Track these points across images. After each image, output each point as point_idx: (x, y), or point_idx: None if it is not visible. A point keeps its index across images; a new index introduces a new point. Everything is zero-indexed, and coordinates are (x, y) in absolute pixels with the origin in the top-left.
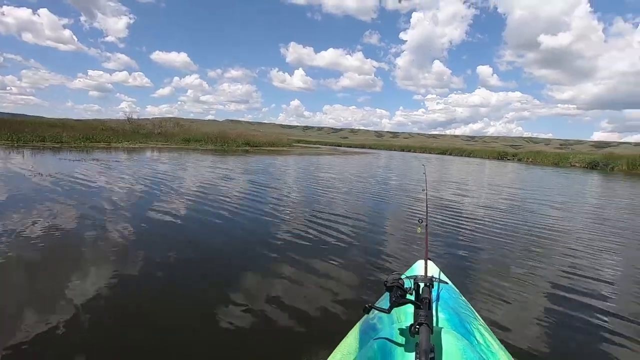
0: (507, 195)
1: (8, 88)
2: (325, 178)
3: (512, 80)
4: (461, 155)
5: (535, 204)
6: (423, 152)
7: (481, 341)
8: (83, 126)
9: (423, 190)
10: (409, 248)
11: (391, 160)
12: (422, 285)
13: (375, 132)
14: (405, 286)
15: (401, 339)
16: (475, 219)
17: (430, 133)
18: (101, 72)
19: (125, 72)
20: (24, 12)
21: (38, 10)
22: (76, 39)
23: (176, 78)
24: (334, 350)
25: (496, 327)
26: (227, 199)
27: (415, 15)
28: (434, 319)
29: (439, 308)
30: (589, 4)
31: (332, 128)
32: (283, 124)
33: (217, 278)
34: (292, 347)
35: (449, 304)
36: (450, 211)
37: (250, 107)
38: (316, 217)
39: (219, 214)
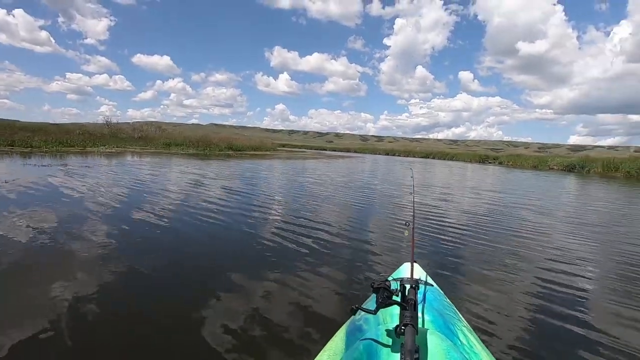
0: (491, 198)
1: None
2: (309, 183)
3: (492, 86)
4: (444, 159)
5: (517, 206)
6: (407, 156)
7: (464, 342)
8: (58, 130)
9: (410, 193)
10: (396, 251)
11: (376, 165)
12: (408, 287)
13: (360, 136)
14: (391, 288)
15: (387, 340)
16: (460, 222)
17: (414, 137)
18: (80, 75)
19: (105, 75)
20: None
21: (13, 11)
22: (53, 41)
23: (159, 81)
24: (321, 352)
25: (479, 328)
26: (200, 207)
27: (398, 21)
28: (419, 320)
29: (424, 309)
30: (563, 13)
31: (317, 132)
32: (268, 128)
33: (199, 286)
34: (279, 350)
35: (434, 306)
36: (435, 214)
37: (234, 111)
38: (300, 223)
39: (193, 223)
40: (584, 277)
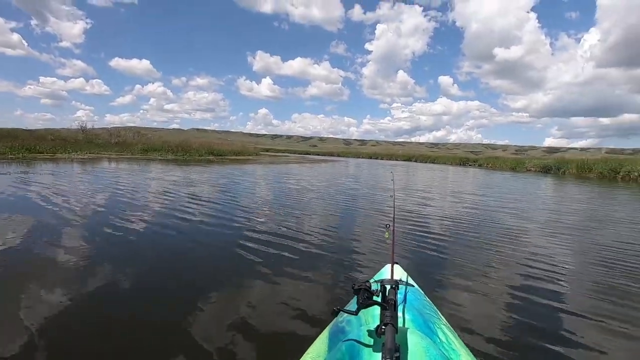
0: (470, 200)
1: None
2: (288, 189)
3: (471, 90)
4: (425, 162)
5: (497, 208)
6: (390, 159)
7: (444, 339)
8: (29, 136)
9: (390, 196)
10: (378, 253)
11: (358, 168)
12: (388, 287)
13: (344, 140)
14: (372, 289)
15: (369, 340)
16: (440, 224)
17: (396, 140)
18: (55, 79)
19: (81, 79)
20: None
21: None
22: (26, 44)
23: (138, 86)
24: (304, 354)
25: (458, 326)
26: (172, 216)
27: (379, 26)
28: (400, 319)
29: (404, 309)
30: (537, 20)
31: (301, 136)
32: (251, 132)
33: (180, 294)
34: (262, 353)
35: (414, 305)
36: (416, 217)
37: (217, 116)
38: (279, 229)
39: (152, 236)
40: (560, 276)
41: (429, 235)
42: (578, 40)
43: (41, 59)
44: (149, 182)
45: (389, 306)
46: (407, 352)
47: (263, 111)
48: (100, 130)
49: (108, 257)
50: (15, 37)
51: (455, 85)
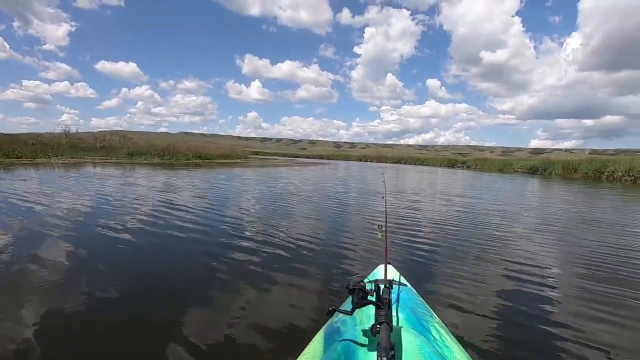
0: (460, 202)
1: None
2: (276, 192)
3: (459, 93)
4: (415, 164)
5: (486, 209)
6: (379, 162)
7: (437, 337)
8: (10, 140)
9: (382, 197)
10: (371, 255)
11: (348, 171)
12: (382, 287)
13: (334, 142)
14: (366, 288)
15: (364, 340)
16: (432, 225)
17: (385, 143)
18: (38, 83)
19: (66, 83)
20: None
21: None
22: (8, 46)
23: (124, 89)
24: (300, 355)
25: (451, 323)
26: (153, 223)
27: (368, 30)
28: (394, 318)
29: (398, 308)
30: (521, 24)
31: (291, 139)
32: (241, 135)
33: (169, 302)
34: (259, 356)
35: (408, 304)
36: (408, 218)
37: (205, 119)
38: (269, 233)
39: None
40: (549, 274)
41: (419, 236)
42: (561, 44)
43: (24, 61)
44: (126, 187)
45: (383, 305)
46: (401, 350)
47: (252, 114)
48: (85, 134)
49: (77, 268)
50: None
51: (443, 88)
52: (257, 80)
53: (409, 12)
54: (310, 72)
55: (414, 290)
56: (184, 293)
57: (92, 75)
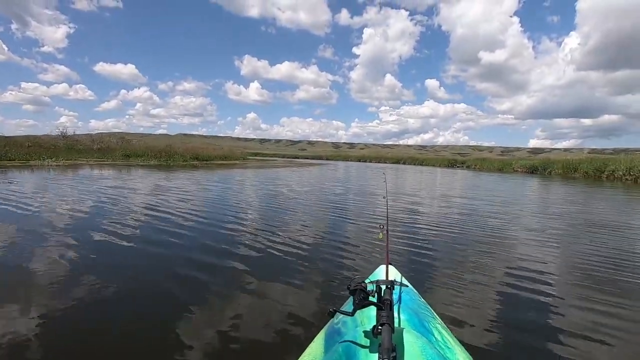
0: (460, 202)
1: None
2: (273, 194)
3: (458, 93)
4: (414, 164)
5: (488, 209)
6: (378, 162)
7: (439, 338)
8: (5, 143)
9: (383, 197)
10: (371, 256)
11: (347, 172)
12: (383, 287)
13: (333, 143)
14: (367, 289)
15: (365, 341)
16: (431, 226)
17: (385, 143)
18: (37, 85)
19: (65, 85)
20: None
21: None
22: (6, 49)
23: (123, 91)
24: (300, 357)
25: (453, 325)
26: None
27: (366, 30)
28: (396, 319)
29: (400, 309)
30: (519, 24)
31: (290, 140)
32: (240, 137)
33: (168, 302)
34: (260, 358)
35: (409, 305)
36: (407, 219)
37: (204, 121)
38: (268, 236)
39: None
40: (553, 276)
41: (420, 236)
42: (559, 44)
43: (22, 64)
44: (117, 190)
45: (384, 306)
46: (403, 352)
47: (251, 115)
48: (83, 136)
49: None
50: None
51: (442, 88)
52: (256, 81)
53: (408, 13)
54: (309, 73)
55: (416, 291)
56: (183, 296)
57: (90, 77)
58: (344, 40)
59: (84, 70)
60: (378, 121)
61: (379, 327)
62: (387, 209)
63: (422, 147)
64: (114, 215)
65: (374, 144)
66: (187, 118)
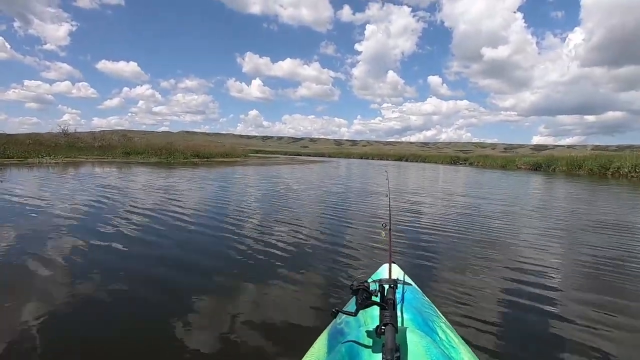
0: (464, 200)
1: None
2: (277, 192)
3: (460, 90)
4: (417, 161)
5: (492, 207)
6: (381, 159)
7: (443, 338)
8: (7, 141)
9: (386, 195)
10: (374, 254)
11: (349, 170)
12: (386, 287)
13: (335, 140)
14: (370, 289)
15: (368, 341)
16: (435, 224)
17: (387, 140)
18: (39, 83)
19: (67, 83)
20: None
21: None
22: (9, 47)
23: (125, 88)
24: (303, 357)
25: (457, 324)
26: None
27: (369, 27)
28: (399, 319)
29: (403, 308)
30: (523, 20)
31: (292, 137)
32: (242, 134)
33: (170, 301)
34: (261, 358)
35: (413, 304)
36: (411, 216)
37: (207, 118)
38: (270, 233)
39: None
40: (555, 276)
41: (423, 234)
42: (563, 40)
43: (25, 62)
44: (109, 189)
45: (388, 306)
46: (407, 352)
47: (253, 112)
48: (85, 134)
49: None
50: None
51: (445, 85)
52: (258, 78)
53: (410, 9)
54: (311, 69)
55: (419, 290)
56: (184, 295)
57: (93, 75)
58: (346, 36)
59: (87, 68)
60: (380, 118)
61: (382, 327)
62: (390, 207)
63: (424, 144)
64: (107, 214)
65: (376, 141)
66: (189, 115)
